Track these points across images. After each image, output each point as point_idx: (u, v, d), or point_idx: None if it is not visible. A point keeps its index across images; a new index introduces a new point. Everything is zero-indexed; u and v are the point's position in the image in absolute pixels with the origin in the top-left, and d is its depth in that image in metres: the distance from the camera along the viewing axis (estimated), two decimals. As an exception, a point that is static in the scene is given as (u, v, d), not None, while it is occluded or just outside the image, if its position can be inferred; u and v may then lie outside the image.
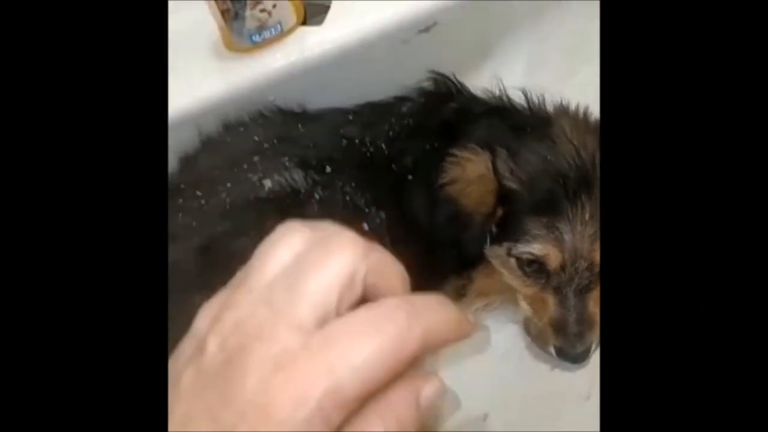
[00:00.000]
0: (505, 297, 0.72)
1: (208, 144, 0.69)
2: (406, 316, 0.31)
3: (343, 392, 0.30)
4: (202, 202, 0.64)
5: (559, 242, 0.62)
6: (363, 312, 0.31)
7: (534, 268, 0.64)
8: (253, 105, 0.70)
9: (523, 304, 0.68)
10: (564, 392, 0.67)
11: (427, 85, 0.72)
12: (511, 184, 0.62)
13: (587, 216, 0.61)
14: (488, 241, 0.65)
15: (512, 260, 0.65)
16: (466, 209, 0.63)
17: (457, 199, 0.62)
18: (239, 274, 0.33)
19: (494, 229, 0.64)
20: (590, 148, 0.63)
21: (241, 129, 0.69)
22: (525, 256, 0.63)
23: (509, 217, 0.63)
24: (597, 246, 0.62)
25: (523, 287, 0.67)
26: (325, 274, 0.31)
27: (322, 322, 0.31)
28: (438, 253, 0.66)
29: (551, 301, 0.65)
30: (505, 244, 0.64)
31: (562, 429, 0.63)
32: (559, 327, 0.64)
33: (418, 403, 0.34)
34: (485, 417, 0.70)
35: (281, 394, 0.29)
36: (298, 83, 0.70)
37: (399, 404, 0.33)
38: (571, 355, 0.64)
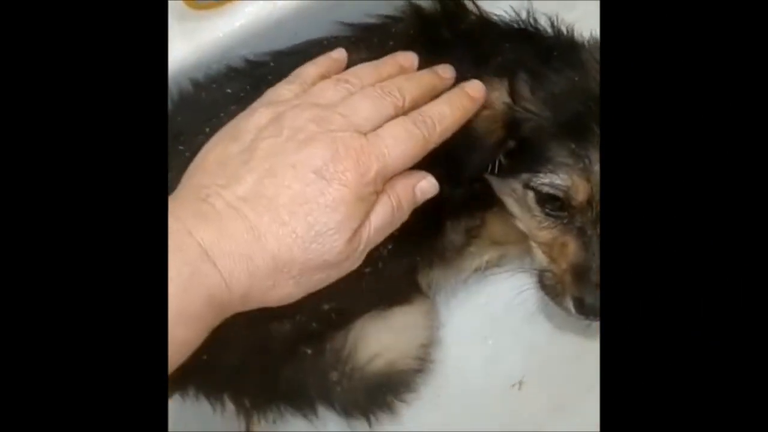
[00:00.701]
0: (520, 248, 0.65)
1: (182, 103, 0.63)
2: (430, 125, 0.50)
3: (387, 171, 0.48)
4: (187, 155, 0.60)
5: (587, 172, 0.53)
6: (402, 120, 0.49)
7: (556, 205, 0.56)
8: (223, 61, 0.64)
9: (538, 253, 0.60)
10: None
11: (424, 3, 0.63)
12: (532, 106, 0.54)
13: None
14: (497, 169, 0.58)
15: (530, 195, 0.57)
16: (475, 133, 0.55)
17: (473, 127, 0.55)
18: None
19: (503, 160, 0.57)
20: None
21: (214, 85, 0.63)
22: (546, 189, 0.55)
23: (528, 144, 0.55)
24: None
25: (540, 231, 0.58)
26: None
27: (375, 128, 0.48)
28: (447, 185, 0.60)
29: (572, 245, 0.56)
30: (523, 176, 0.56)
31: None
32: (580, 274, 0.56)
33: (414, 191, 0.50)
34: (520, 385, 0.64)
35: (351, 165, 0.45)
36: (271, 36, 0.64)
37: (402, 190, 0.50)
38: (593, 308, 0.56)
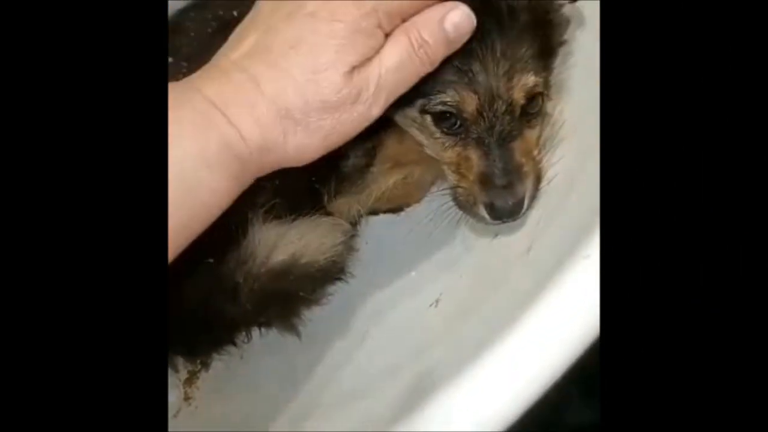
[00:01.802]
0: (423, 168, 0.67)
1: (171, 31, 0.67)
2: None
3: (393, 2, 0.44)
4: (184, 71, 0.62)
5: (472, 84, 0.57)
6: None
7: (451, 122, 0.59)
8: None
9: (448, 172, 0.63)
10: (506, 255, 0.61)
11: None
12: None
13: (498, 53, 0.56)
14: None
15: (428, 119, 0.60)
16: None
17: None
18: None
19: None
20: None
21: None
22: (438, 108, 0.58)
23: None
24: (513, 84, 0.57)
25: (445, 151, 0.61)
26: None
27: None
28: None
29: (474, 156, 0.59)
30: (418, 102, 0.59)
31: (508, 288, 0.57)
32: (485, 181, 0.59)
33: (442, 26, 0.45)
34: (437, 303, 0.66)
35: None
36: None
37: (425, 25, 0.45)
38: (503, 210, 0.58)
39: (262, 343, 0.68)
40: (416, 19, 0.46)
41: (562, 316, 0.43)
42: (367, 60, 0.45)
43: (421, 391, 0.45)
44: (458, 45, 0.49)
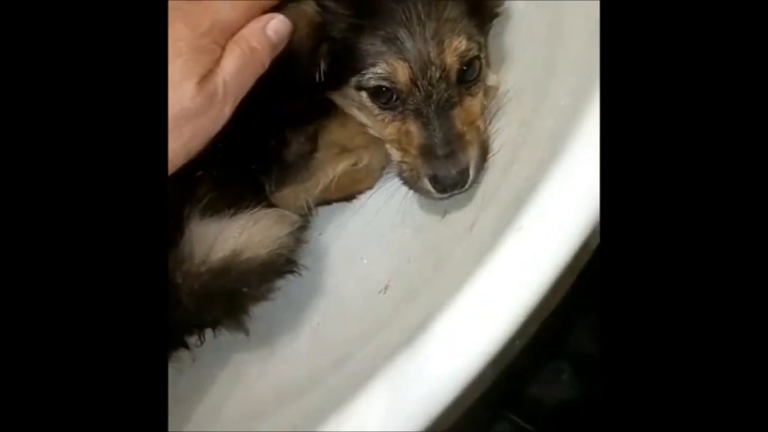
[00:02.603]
0: (372, 152, 0.65)
1: None
2: None
3: (224, 23, 0.51)
4: None
5: (401, 52, 0.55)
6: None
7: (387, 96, 0.57)
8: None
9: (391, 150, 0.61)
10: (452, 234, 0.59)
11: None
12: (334, 5, 0.56)
13: (422, 15, 0.54)
14: (328, 82, 0.59)
15: (364, 96, 0.58)
16: (293, 47, 0.56)
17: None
18: None
19: (324, 67, 0.58)
20: None
21: None
22: (372, 83, 0.56)
23: (344, 47, 0.57)
24: (444, 47, 0.55)
25: (385, 128, 0.59)
26: None
27: None
28: (284, 99, 0.60)
29: (413, 127, 0.57)
30: (352, 80, 0.58)
31: (451, 267, 0.55)
32: (427, 152, 0.57)
33: (265, 33, 0.53)
34: (385, 289, 0.63)
35: (181, 23, 0.49)
36: None
37: (251, 34, 0.52)
38: (447, 181, 0.56)
39: (212, 344, 0.65)
40: (244, 31, 0.53)
41: (497, 293, 0.41)
42: (210, 71, 0.51)
43: (360, 378, 0.43)
44: (282, 46, 0.55)
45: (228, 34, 0.52)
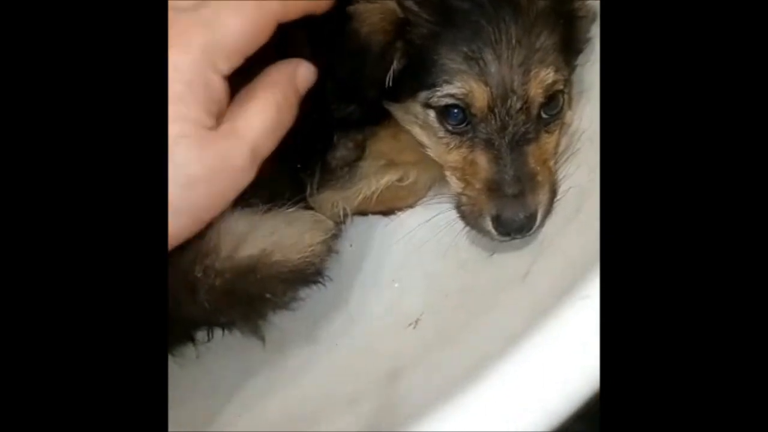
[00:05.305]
0: (421, 170, 0.61)
1: None
2: None
3: (222, 44, 0.42)
4: None
5: (483, 75, 0.50)
6: None
7: (457, 118, 0.53)
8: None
9: (451, 178, 0.56)
10: (500, 277, 0.54)
11: None
12: (419, 9, 0.51)
13: (513, 40, 0.49)
14: (395, 94, 0.55)
15: (431, 115, 0.54)
16: (362, 35, 0.51)
17: (358, 29, 0.52)
18: None
19: (396, 72, 0.53)
20: None
21: None
22: (444, 101, 0.52)
23: (420, 56, 0.52)
24: (530, 77, 0.50)
25: (449, 154, 0.55)
26: None
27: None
28: (341, 102, 0.56)
29: (482, 159, 0.53)
30: (421, 95, 0.53)
31: (496, 317, 0.50)
32: (493, 189, 0.52)
33: (295, 82, 0.46)
34: (416, 323, 0.58)
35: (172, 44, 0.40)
36: None
37: (282, 82, 0.46)
38: (511, 224, 0.52)
39: (221, 343, 0.61)
40: (274, 75, 0.47)
41: (557, 361, 0.36)
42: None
43: (373, 424, 0.38)
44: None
45: (231, 54, 0.42)
